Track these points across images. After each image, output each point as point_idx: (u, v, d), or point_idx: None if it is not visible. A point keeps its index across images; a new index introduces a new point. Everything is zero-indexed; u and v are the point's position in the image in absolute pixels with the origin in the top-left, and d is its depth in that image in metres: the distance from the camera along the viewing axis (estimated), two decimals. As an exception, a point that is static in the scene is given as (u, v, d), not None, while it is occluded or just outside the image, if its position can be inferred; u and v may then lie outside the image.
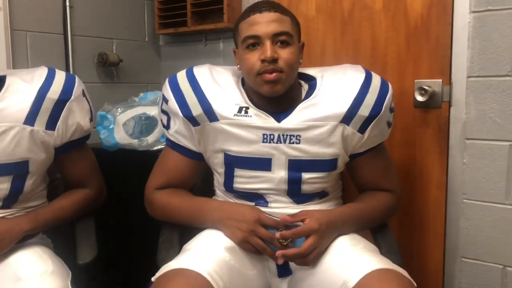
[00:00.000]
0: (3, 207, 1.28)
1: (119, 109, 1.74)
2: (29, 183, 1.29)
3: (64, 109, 1.27)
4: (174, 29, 2.25)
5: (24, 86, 1.24)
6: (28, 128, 1.22)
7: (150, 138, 1.70)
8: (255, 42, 1.18)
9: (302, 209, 1.23)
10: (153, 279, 1.09)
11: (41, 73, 1.29)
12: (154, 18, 2.33)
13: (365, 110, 1.21)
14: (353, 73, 1.26)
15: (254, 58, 1.17)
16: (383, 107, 1.22)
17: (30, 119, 1.22)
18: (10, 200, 1.28)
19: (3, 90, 1.23)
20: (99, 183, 1.47)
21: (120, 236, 1.87)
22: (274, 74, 1.16)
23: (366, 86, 1.22)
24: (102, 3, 2.19)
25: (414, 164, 1.71)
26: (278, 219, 1.19)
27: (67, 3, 2.04)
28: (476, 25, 1.52)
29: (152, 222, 1.38)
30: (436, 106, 1.64)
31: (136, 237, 1.84)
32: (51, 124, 1.25)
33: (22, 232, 1.24)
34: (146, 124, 1.81)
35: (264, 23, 1.17)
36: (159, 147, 1.71)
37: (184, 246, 1.23)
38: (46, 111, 1.24)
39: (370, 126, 1.23)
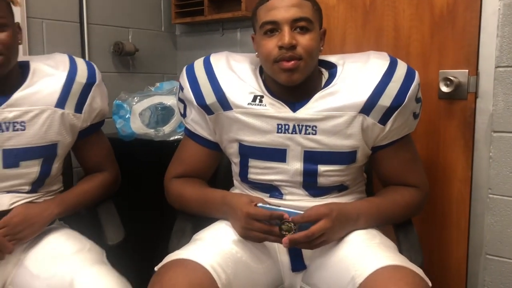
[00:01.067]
0: (31, 191, 1.29)
1: (135, 98, 1.72)
2: (55, 166, 1.32)
3: (91, 92, 1.32)
4: (191, 18, 2.22)
5: (52, 71, 1.28)
6: (60, 111, 1.26)
7: (167, 128, 1.68)
8: (273, 28, 1.13)
9: (317, 204, 1.18)
10: (156, 268, 1.07)
11: (63, 59, 1.33)
12: (171, 7, 2.29)
13: (386, 100, 1.14)
14: (376, 60, 1.20)
15: (271, 45, 1.13)
16: (407, 97, 1.15)
17: (61, 102, 1.26)
18: (38, 184, 1.30)
19: (30, 76, 1.25)
20: (116, 167, 1.49)
21: (136, 226, 1.85)
22: (292, 62, 1.11)
23: (389, 74, 1.16)
24: (118, -8, 2.17)
25: (437, 157, 1.65)
26: (277, 207, 1.11)
27: (84, -9, 2.02)
28: (506, 12, 1.45)
29: (168, 212, 1.36)
30: (461, 98, 1.58)
31: (152, 227, 1.82)
32: (79, 107, 1.30)
33: (53, 216, 1.27)
34: (162, 114, 1.78)
35: (283, 8, 1.12)
36: (176, 137, 1.69)
37: (194, 236, 1.20)
38: (75, 94, 1.28)
39: (392, 117, 1.16)
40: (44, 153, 1.28)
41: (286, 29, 1.11)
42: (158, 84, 1.88)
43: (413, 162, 1.27)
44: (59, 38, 1.96)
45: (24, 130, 1.22)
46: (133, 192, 1.70)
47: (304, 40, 1.12)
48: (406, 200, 1.24)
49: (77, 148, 1.40)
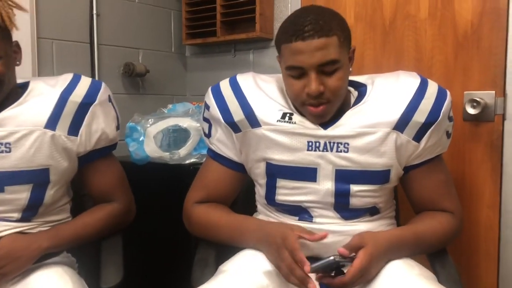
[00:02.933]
0: (22, 220, 1.18)
1: (149, 120, 1.66)
2: (49, 193, 1.20)
3: (88, 113, 1.19)
4: (202, 40, 2.18)
5: (47, 89, 1.18)
6: (50, 132, 1.15)
7: (182, 151, 1.62)
8: (299, 72, 1.08)
9: (351, 229, 1.13)
10: None
11: (66, 77, 1.23)
12: (181, 28, 2.26)
13: (420, 115, 1.10)
14: (408, 78, 1.17)
15: (298, 87, 1.08)
16: (441, 114, 1.12)
17: (52, 123, 1.15)
18: (30, 211, 1.19)
19: (25, 94, 1.16)
20: (128, 197, 1.35)
21: (150, 254, 1.77)
22: (320, 108, 1.08)
23: (421, 92, 1.12)
24: (129, 12, 2.13)
25: (463, 181, 1.59)
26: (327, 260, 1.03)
27: (94, 12, 1.99)
28: (534, 33, 1.42)
29: (185, 240, 1.29)
30: (488, 120, 1.53)
31: (168, 255, 1.74)
32: (74, 129, 1.18)
33: (41, 250, 1.14)
34: (174, 137, 1.73)
35: (308, 53, 1.05)
36: (192, 160, 1.63)
37: (220, 267, 1.13)
38: (69, 114, 1.17)
39: (427, 134, 1.12)
40: (34, 178, 1.16)
41: (312, 76, 1.06)
42: (170, 106, 1.83)
43: (447, 185, 1.22)
44: (69, 59, 1.92)
45: (9, 152, 1.12)
46: (146, 218, 1.62)
47: (331, 82, 1.07)
48: (444, 227, 1.17)
49: (81, 175, 1.29)
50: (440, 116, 1.12)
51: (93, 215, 1.28)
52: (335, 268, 1.02)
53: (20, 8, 1.17)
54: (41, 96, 1.16)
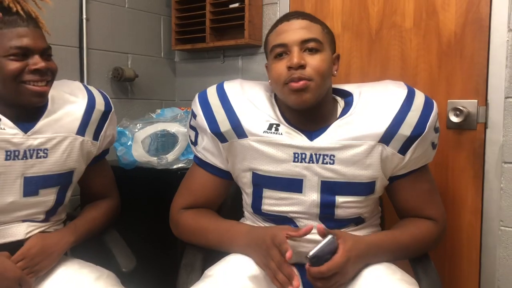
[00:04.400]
0: (44, 220, 1.26)
1: (137, 125, 1.66)
2: (68, 194, 1.30)
3: (108, 119, 1.32)
4: (192, 45, 2.19)
5: (71, 98, 1.27)
6: (80, 138, 1.25)
7: (170, 156, 1.62)
8: (283, 51, 1.12)
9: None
10: None
11: (79, 86, 1.33)
12: (171, 33, 2.27)
13: (406, 129, 1.11)
14: (395, 89, 1.18)
15: (281, 66, 1.11)
16: (427, 127, 1.13)
17: (82, 129, 1.25)
18: (52, 212, 1.27)
19: (50, 102, 1.23)
20: (118, 194, 1.46)
21: (137, 257, 1.77)
22: (301, 82, 1.08)
23: (408, 103, 1.13)
24: (118, 17, 2.14)
25: (447, 188, 1.62)
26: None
27: (84, 16, 1.99)
28: (515, 44, 1.46)
29: (172, 244, 1.30)
30: (471, 128, 1.56)
31: (154, 259, 1.74)
32: (97, 134, 1.30)
33: (69, 244, 1.23)
34: (162, 142, 1.73)
35: (292, 31, 1.12)
36: (179, 165, 1.63)
37: (206, 271, 1.14)
38: (95, 121, 1.28)
39: (412, 147, 1.13)
40: (62, 180, 1.25)
41: (295, 50, 1.10)
42: (159, 111, 1.84)
43: (431, 194, 1.24)
44: (58, 63, 1.89)
45: (46, 157, 1.20)
46: (134, 222, 1.62)
47: (313, 60, 1.10)
48: (424, 233, 1.19)
49: (86, 175, 1.35)
50: (426, 129, 1.13)
51: (98, 210, 1.37)
52: (334, 251, 1.04)
53: None
54: (70, 104, 1.25)
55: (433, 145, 1.21)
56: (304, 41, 1.10)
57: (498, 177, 1.51)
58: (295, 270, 1.04)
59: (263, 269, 1.09)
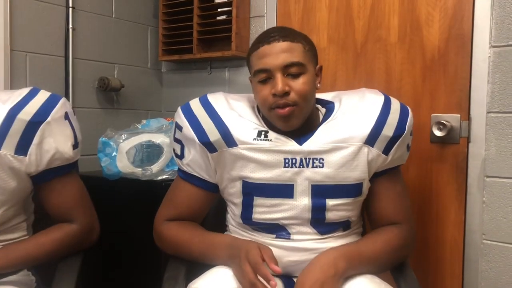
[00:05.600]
0: None
1: (122, 135, 1.65)
2: (4, 213, 1.16)
3: (38, 132, 1.13)
4: (179, 56, 2.19)
5: None
6: None
7: (155, 167, 1.61)
8: (267, 76, 1.13)
9: (325, 246, 1.14)
10: None
11: (21, 92, 1.17)
12: (158, 44, 2.27)
13: (389, 129, 1.17)
14: (372, 95, 1.24)
15: (266, 92, 1.13)
16: (406, 127, 1.20)
17: None
18: None
19: None
20: (89, 218, 1.28)
21: (120, 270, 1.75)
22: (286, 109, 1.11)
23: (386, 107, 1.20)
24: (105, 27, 2.13)
25: (430, 202, 1.63)
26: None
27: (70, 25, 1.98)
28: (496, 59, 1.49)
29: (156, 256, 1.28)
30: (453, 142, 1.58)
31: (139, 272, 1.72)
32: (22, 148, 1.12)
33: None
34: (147, 152, 1.72)
35: (273, 55, 1.12)
36: (164, 176, 1.62)
37: (190, 284, 1.12)
38: (16, 133, 1.10)
39: (395, 147, 1.19)
40: None
41: (278, 76, 1.11)
42: (145, 121, 1.83)
43: (402, 197, 1.26)
44: (42, 72, 1.90)
45: None
46: (117, 233, 1.60)
47: (297, 84, 1.11)
48: (388, 240, 1.18)
49: (37, 194, 1.23)
50: (406, 130, 1.20)
51: (49, 235, 1.22)
52: None
53: None
54: None
55: (408, 147, 1.27)
56: (286, 66, 1.11)
57: (480, 190, 1.53)
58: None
59: (239, 283, 1.07)
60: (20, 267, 1.18)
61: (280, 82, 1.10)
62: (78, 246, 1.27)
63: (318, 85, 1.20)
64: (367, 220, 1.32)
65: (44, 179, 1.19)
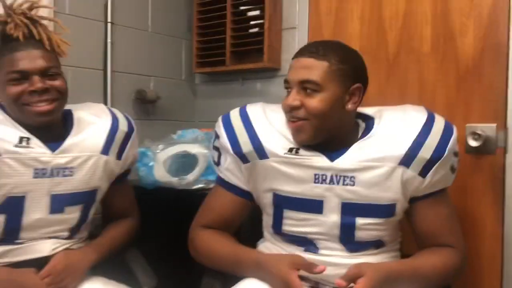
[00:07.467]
0: (69, 237, 1.30)
1: (159, 146, 1.71)
2: (91, 212, 1.35)
3: (130, 140, 1.38)
4: (212, 68, 2.24)
5: (95, 119, 1.34)
6: (104, 157, 1.31)
7: (191, 177, 1.65)
8: (288, 86, 1.17)
9: (355, 263, 1.12)
10: None
11: (102, 108, 1.41)
12: (192, 57, 2.33)
13: (426, 152, 1.13)
14: (415, 113, 1.20)
15: (285, 102, 1.17)
16: (447, 150, 1.15)
17: (106, 149, 1.31)
18: (76, 229, 1.31)
19: (75, 123, 1.31)
20: (138, 213, 1.51)
21: (157, 278, 1.78)
22: (295, 124, 1.15)
23: (428, 127, 1.16)
24: (142, 41, 2.21)
25: (465, 213, 1.61)
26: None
27: (108, 40, 2.06)
28: (533, 69, 1.46)
29: (191, 264, 1.31)
30: (489, 152, 1.56)
31: (175, 280, 1.75)
32: (120, 154, 1.36)
33: (92, 262, 1.26)
34: (183, 162, 1.77)
35: (295, 69, 1.16)
36: (199, 185, 1.67)
37: None
38: (119, 142, 1.35)
39: (433, 170, 1.14)
40: (86, 199, 1.30)
41: (293, 91, 1.15)
42: (180, 132, 1.88)
43: (450, 220, 1.24)
44: (83, 85, 1.98)
45: (72, 176, 1.25)
46: (154, 241, 1.64)
47: (310, 102, 1.13)
48: (444, 262, 1.18)
49: (108, 194, 1.40)
50: (446, 152, 1.14)
51: (118, 229, 1.42)
52: None
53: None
54: (94, 125, 1.32)
55: (452, 169, 1.22)
56: (302, 82, 1.13)
57: (518, 202, 1.50)
58: None
59: None
60: (105, 258, 1.34)
61: (290, 97, 1.14)
62: (133, 238, 1.46)
63: (349, 106, 1.16)
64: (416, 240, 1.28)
65: (119, 180, 1.42)
